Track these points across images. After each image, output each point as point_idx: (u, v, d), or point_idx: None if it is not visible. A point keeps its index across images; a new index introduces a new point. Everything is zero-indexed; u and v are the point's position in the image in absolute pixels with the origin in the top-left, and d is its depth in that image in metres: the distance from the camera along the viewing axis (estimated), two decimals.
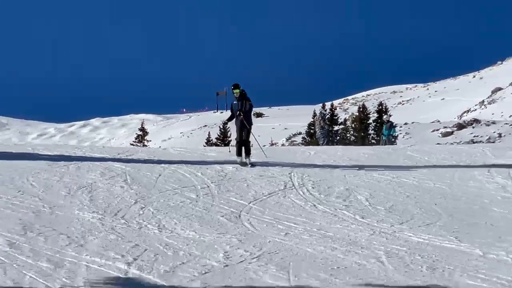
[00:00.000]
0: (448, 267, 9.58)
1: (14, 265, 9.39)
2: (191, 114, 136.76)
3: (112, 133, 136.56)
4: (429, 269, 9.50)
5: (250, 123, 19.76)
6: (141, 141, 69.80)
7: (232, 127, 20.35)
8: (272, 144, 68.35)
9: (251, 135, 20.04)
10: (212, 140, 69.46)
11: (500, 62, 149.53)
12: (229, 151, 22.14)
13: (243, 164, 19.31)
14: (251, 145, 20.42)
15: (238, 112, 19.42)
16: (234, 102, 19.49)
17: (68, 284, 8.62)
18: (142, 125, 77.22)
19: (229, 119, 20.47)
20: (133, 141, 72.66)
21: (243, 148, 19.73)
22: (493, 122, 72.03)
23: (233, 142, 22.34)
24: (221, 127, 65.72)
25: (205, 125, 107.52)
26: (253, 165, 19.22)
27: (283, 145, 69.36)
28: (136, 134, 75.54)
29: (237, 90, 19.11)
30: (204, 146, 60.50)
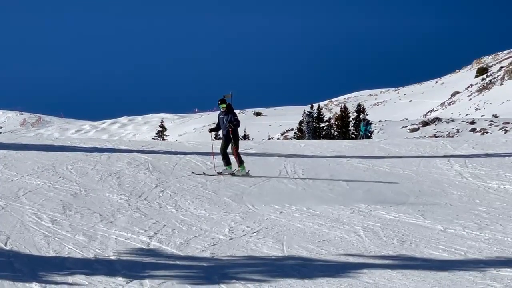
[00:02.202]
0: (415, 240, 9.58)
1: (56, 238, 9.41)
2: (202, 113, 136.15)
3: (137, 129, 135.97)
4: (399, 242, 9.50)
5: (237, 139, 16.56)
6: (160, 136, 69.61)
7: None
8: (269, 138, 68.35)
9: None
10: (219, 135, 69.17)
11: (458, 70, 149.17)
12: (211, 163, 17.04)
13: (233, 174, 15.93)
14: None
15: (228, 125, 16.28)
16: (221, 116, 16.63)
17: (100, 254, 8.63)
18: (161, 122, 77.13)
19: (215, 130, 17.46)
20: (154, 136, 72.53)
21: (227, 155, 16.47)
22: (452, 120, 71.88)
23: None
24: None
25: (214, 123, 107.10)
26: (247, 174, 15.89)
27: (278, 139, 69.18)
28: (156, 130, 75.36)
29: (224, 105, 16.44)
30: (213, 139, 60.33)
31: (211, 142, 17.63)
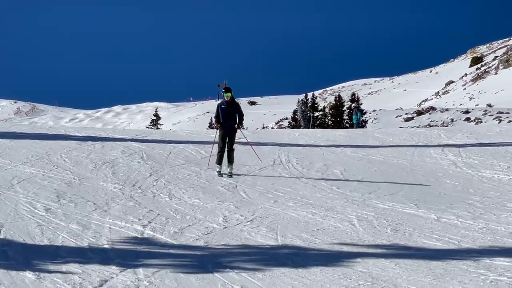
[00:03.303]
0: (409, 229, 9.61)
1: (50, 227, 9.40)
2: (196, 102, 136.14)
3: (131, 118, 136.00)
4: (393, 231, 9.53)
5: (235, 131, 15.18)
6: (155, 125, 69.60)
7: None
8: (263, 127, 68.33)
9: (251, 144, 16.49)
10: (213, 123, 69.32)
11: (452, 60, 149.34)
12: (206, 169, 15.35)
13: (221, 174, 14.58)
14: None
15: (236, 125, 14.96)
16: (223, 106, 14.94)
17: (94, 243, 8.63)
18: (156, 111, 77.32)
19: (218, 121, 15.22)
20: (148, 125, 72.53)
21: (225, 156, 14.96)
22: (446, 109, 71.95)
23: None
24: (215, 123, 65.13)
25: (208, 112, 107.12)
26: (231, 175, 14.59)
27: (272, 128, 69.24)
28: (150, 119, 75.50)
29: (229, 94, 14.90)
30: (207, 128, 60.32)
31: (215, 136, 15.75)
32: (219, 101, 15.41)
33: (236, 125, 14.99)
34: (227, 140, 15.01)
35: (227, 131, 15.01)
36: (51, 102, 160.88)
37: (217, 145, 15.23)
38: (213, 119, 16.76)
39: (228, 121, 14.99)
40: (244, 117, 15.34)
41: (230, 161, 14.90)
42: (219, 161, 14.88)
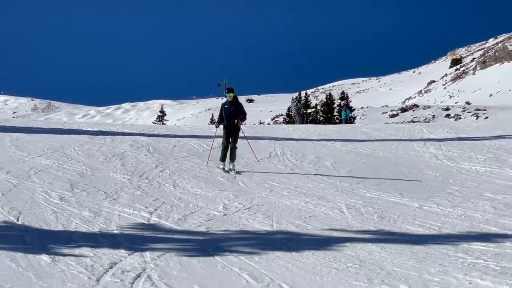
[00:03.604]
0: (393, 216, 9.61)
1: (64, 214, 9.38)
2: (199, 100, 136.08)
3: (139, 114, 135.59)
4: (378, 218, 9.53)
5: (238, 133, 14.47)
6: (160, 120, 69.55)
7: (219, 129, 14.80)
8: (260, 123, 68.25)
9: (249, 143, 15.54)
10: (214, 119, 69.35)
11: (433, 61, 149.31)
12: (207, 163, 14.78)
13: (226, 171, 13.96)
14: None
15: (236, 120, 14.16)
16: (226, 106, 14.25)
17: (104, 229, 8.62)
18: (161, 108, 77.28)
19: (220, 122, 14.43)
20: (154, 121, 72.44)
21: (228, 154, 14.29)
22: (428, 107, 71.98)
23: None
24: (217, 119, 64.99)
25: (209, 108, 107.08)
26: (238, 172, 13.87)
27: (268, 123, 69.18)
28: (157, 115, 75.42)
29: (231, 94, 14.20)
30: (208, 124, 60.30)
31: (215, 133, 15.39)
32: (224, 101, 14.69)
33: (236, 120, 14.26)
34: (230, 140, 14.32)
35: (231, 130, 14.29)
36: (65, 100, 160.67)
37: (215, 140, 14.80)
38: (216, 118, 15.83)
39: (232, 120, 14.28)
40: (246, 116, 14.63)
41: (232, 158, 14.27)
42: (223, 159, 14.28)
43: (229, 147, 14.32)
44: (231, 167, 14.18)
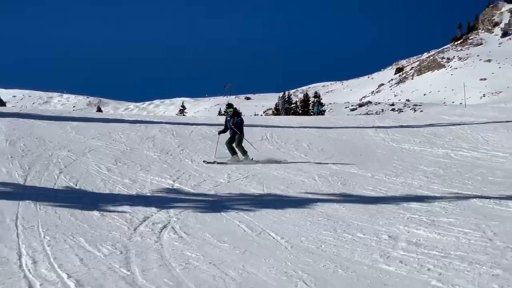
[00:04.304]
0: (352, 183, 9.62)
1: (110, 181, 9.35)
2: (210, 97, 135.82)
3: (166, 108, 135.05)
4: (342, 184, 9.53)
5: (242, 132, 12.76)
6: (182, 113, 69.43)
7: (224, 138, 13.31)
8: (255, 115, 68.26)
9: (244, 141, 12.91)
10: (222, 112, 69.33)
11: (383, 69, 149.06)
12: (214, 157, 12.61)
13: (240, 161, 12.35)
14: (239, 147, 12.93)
15: (231, 125, 12.82)
16: (228, 118, 12.98)
17: (140, 192, 8.60)
18: (182, 103, 77.29)
19: (223, 131, 13.10)
20: (177, 113, 72.44)
21: (237, 151, 12.68)
22: (379, 103, 72.04)
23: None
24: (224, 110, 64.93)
25: (218, 104, 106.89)
26: (253, 160, 12.29)
27: (261, 115, 69.18)
28: (179, 108, 75.40)
29: (231, 109, 12.99)
30: (217, 116, 60.24)
31: (217, 137, 13.70)
32: (227, 115, 13.30)
33: (232, 125, 12.84)
34: (233, 142, 12.78)
35: (232, 135, 12.82)
36: (112, 97, 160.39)
37: (219, 142, 13.37)
38: (220, 127, 14.30)
39: (232, 129, 12.83)
40: (237, 122, 12.83)
41: (244, 154, 12.56)
42: (232, 153, 12.64)
43: (232, 145, 12.81)
44: (244, 158, 12.51)
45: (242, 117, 13.46)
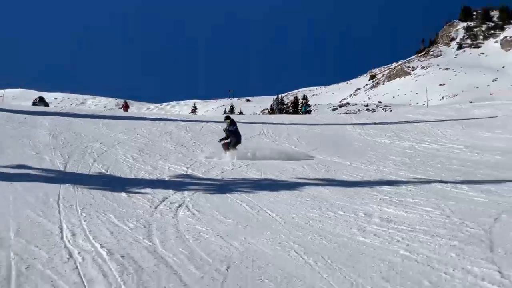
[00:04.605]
0: (334, 170, 9.61)
1: (135, 168, 9.35)
2: (217, 99, 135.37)
3: (180, 108, 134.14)
4: (326, 171, 9.52)
5: (237, 138, 12.07)
6: (193, 112, 69.41)
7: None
8: (254, 114, 68.14)
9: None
10: (227, 112, 69.31)
11: (359, 76, 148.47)
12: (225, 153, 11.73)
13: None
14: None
15: (228, 133, 12.13)
16: (226, 127, 12.36)
17: (160, 177, 8.58)
18: (194, 104, 77.42)
19: (223, 139, 12.20)
20: (190, 112, 72.32)
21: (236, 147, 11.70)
22: (356, 104, 71.91)
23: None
24: (228, 111, 64.77)
25: (223, 105, 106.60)
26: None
27: (259, 114, 69.01)
28: (191, 108, 75.42)
29: (228, 120, 12.37)
30: (223, 114, 60.13)
31: (221, 141, 12.44)
32: (225, 126, 12.64)
33: (227, 135, 12.29)
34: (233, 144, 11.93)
35: (232, 140, 12.04)
36: (135, 98, 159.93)
37: (224, 144, 12.82)
38: (222, 135, 13.17)
39: (231, 135, 12.17)
40: (227, 131, 12.31)
41: (234, 148, 11.75)
42: (233, 148, 11.95)
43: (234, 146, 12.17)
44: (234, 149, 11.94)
45: (237, 124, 12.84)
